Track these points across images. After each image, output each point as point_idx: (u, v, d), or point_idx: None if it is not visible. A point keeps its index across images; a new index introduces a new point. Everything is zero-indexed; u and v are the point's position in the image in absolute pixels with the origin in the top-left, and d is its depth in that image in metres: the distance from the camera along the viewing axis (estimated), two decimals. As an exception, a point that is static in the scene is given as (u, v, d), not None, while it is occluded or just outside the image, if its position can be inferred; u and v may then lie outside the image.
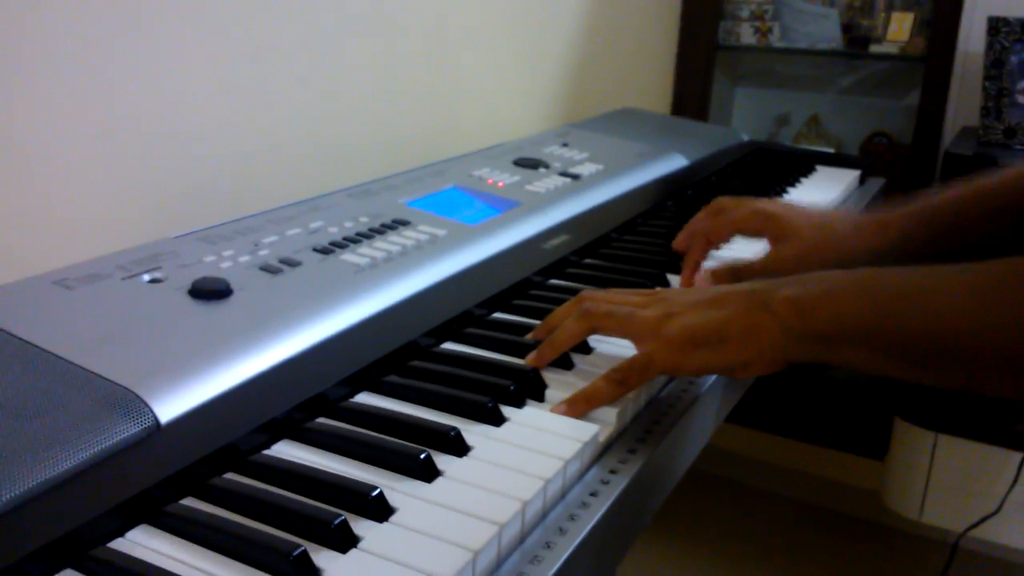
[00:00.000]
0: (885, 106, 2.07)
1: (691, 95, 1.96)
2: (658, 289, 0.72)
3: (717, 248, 0.86)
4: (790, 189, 1.18)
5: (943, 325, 0.51)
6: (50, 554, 0.40)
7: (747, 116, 2.21)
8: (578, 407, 0.58)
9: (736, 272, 0.80)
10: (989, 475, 1.63)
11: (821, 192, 1.19)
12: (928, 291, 0.53)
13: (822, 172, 1.32)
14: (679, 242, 0.86)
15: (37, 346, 0.53)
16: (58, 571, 0.40)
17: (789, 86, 2.18)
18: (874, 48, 1.91)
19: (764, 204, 0.83)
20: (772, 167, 1.30)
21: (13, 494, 0.42)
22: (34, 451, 0.44)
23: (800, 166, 1.31)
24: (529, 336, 0.68)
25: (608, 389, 0.59)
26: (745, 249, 0.88)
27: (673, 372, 0.63)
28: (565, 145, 1.19)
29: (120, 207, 0.89)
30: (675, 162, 1.21)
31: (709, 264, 0.83)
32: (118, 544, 0.43)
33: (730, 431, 2.02)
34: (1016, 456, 1.58)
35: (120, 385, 0.50)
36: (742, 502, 2.03)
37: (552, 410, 0.58)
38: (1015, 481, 1.58)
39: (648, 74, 1.97)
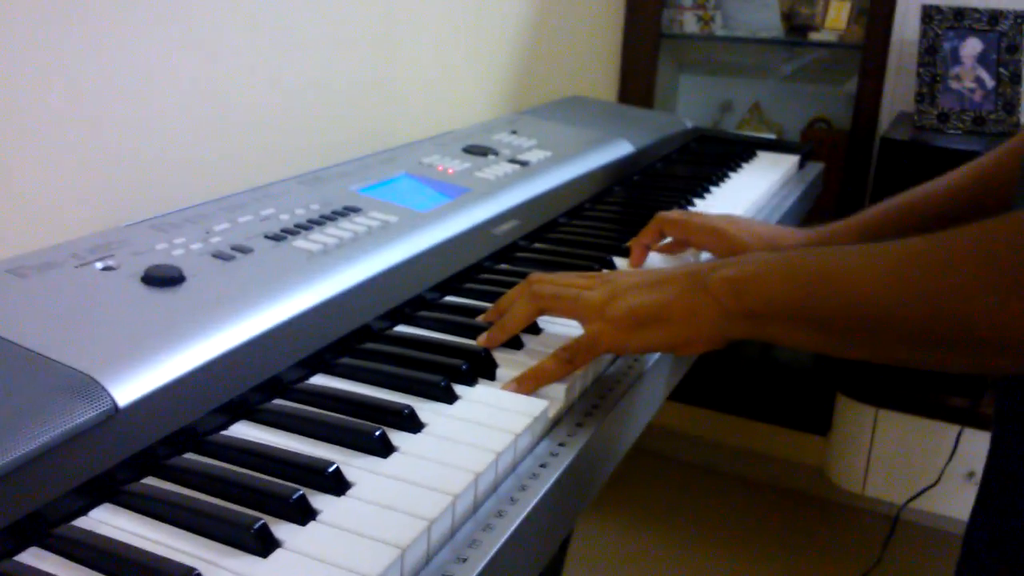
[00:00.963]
0: (824, 93, 2.12)
1: (637, 83, 1.99)
2: (604, 272, 0.74)
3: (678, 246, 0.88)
4: (732, 174, 1.22)
5: (860, 302, 0.54)
6: (15, 533, 0.41)
7: (692, 103, 2.25)
8: (528, 384, 0.60)
9: None
10: (928, 448, 1.69)
11: (762, 177, 1.22)
12: (847, 270, 0.56)
13: (763, 157, 1.35)
14: (634, 261, 0.86)
15: (-9, 334, 0.54)
16: (23, 549, 0.41)
17: (732, 73, 2.22)
18: (813, 36, 1.96)
19: (714, 221, 0.85)
20: (715, 153, 1.34)
21: (-25, 476, 0.42)
22: (-6, 435, 0.45)
23: (742, 152, 1.34)
24: (481, 318, 0.70)
25: (556, 367, 0.61)
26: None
27: (618, 351, 0.66)
28: (514, 132, 1.21)
29: (69, 196, 0.88)
30: (621, 148, 1.23)
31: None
32: (81, 522, 0.44)
33: (675, 409, 2.07)
34: (954, 429, 1.64)
35: (77, 370, 0.51)
36: (688, 480, 2.07)
37: (503, 387, 0.60)
38: (953, 453, 1.64)
39: (595, 62, 2.00)
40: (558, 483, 0.53)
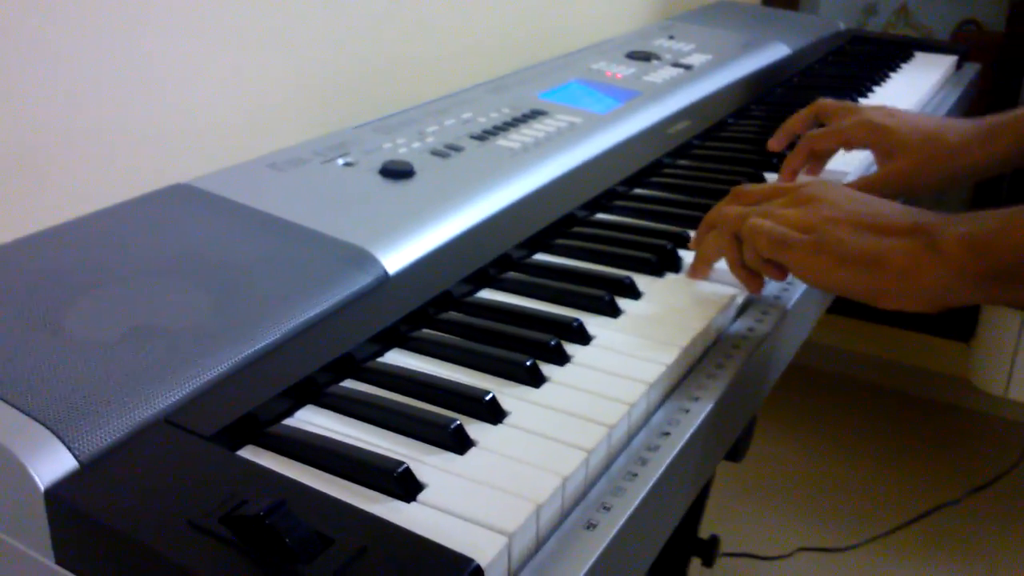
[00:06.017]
0: (975, -7, 2.05)
1: (781, -13, 1.97)
2: (807, 186, 0.64)
3: (818, 159, 0.84)
4: (892, 74, 1.23)
5: None
6: (333, 369, 0.51)
7: (833, 7, 2.21)
8: (701, 271, 0.64)
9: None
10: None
11: (922, 77, 1.23)
12: None
13: (920, 58, 1.35)
14: (775, 142, 0.87)
15: (273, 215, 0.63)
16: (341, 380, 0.51)
17: (877, -25, 2.16)
18: (967, -68, 1.89)
19: (872, 114, 0.80)
20: (872, 53, 1.34)
21: (293, 324, 0.52)
22: (302, 294, 0.54)
23: (899, 52, 1.34)
24: (691, 245, 0.68)
25: (733, 253, 0.63)
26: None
27: (805, 276, 0.60)
28: (671, 38, 1.25)
29: (285, 106, 0.99)
30: (778, 51, 1.26)
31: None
32: (383, 359, 0.54)
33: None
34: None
35: (351, 244, 0.60)
36: (826, 389, 2.11)
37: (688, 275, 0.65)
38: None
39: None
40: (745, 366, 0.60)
